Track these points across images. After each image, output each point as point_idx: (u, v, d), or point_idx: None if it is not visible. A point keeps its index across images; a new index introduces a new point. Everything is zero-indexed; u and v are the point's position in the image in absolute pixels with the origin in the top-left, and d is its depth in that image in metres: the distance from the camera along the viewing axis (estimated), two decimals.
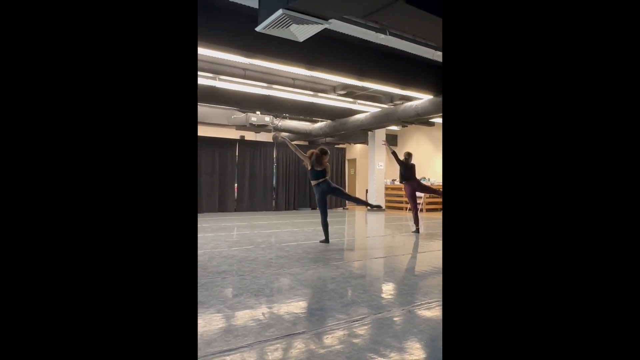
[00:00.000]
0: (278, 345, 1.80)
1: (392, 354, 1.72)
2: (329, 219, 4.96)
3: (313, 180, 4.81)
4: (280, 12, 2.91)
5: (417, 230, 6.13)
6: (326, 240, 4.92)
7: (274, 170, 10.89)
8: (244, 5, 4.22)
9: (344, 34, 5.02)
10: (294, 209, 11.24)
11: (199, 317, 2.16)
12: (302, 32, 3.25)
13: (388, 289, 2.89)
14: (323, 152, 4.77)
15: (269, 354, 1.71)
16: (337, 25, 4.36)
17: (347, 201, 5.07)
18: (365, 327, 2.06)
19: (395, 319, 2.20)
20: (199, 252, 4.21)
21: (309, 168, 4.78)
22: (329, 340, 1.87)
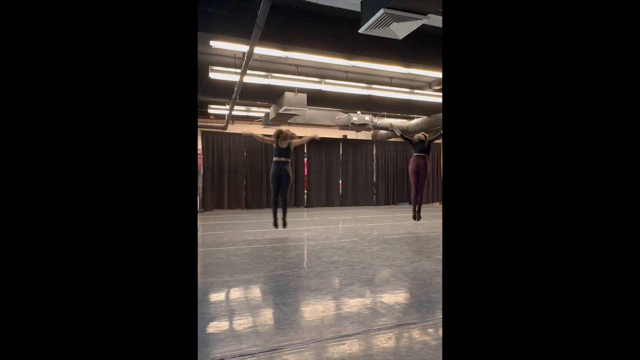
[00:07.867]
0: (391, 334, 1.77)
1: None
2: None
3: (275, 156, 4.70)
4: (381, 11, 2.86)
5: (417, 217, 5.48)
6: (274, 224, 4.80)
7: (374, 167, 10.85)
8: (345, 10, 4.26)
9: (440, 27, 4.75)
10: (393, 203, 11.04)
11: (318, 303, 2.23)
12: (402, 29, 3.15)
13: None
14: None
15: (383, 342, 1.69)
16: (433, 20, 4.14)
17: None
18: None
19: None
20: (313, 242, 4.37)
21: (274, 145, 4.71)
22: (440, 332, 1.78)
